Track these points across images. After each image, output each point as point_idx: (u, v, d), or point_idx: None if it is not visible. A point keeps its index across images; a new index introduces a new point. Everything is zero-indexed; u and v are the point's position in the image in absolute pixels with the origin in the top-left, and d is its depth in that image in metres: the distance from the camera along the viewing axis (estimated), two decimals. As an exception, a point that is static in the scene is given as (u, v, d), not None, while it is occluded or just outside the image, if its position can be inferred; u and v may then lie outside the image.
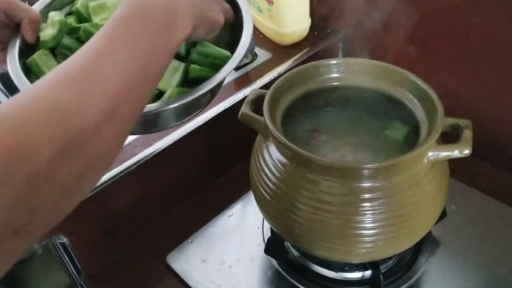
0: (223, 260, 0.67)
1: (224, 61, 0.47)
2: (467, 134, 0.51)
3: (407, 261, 0.65)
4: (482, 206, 0.71)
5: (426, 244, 0.66)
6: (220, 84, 0.48)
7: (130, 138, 0.71)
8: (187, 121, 0.54)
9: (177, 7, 0.38)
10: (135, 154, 0.68)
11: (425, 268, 0.64)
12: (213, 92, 0.49)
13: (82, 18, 0.51)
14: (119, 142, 0.34)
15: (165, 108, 0.43)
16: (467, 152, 0.50)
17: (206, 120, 0.75)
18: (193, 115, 0.50)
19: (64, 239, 0.65)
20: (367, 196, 0.49)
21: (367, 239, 0.51)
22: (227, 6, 0.49)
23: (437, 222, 0.58)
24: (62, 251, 0.66)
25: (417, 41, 0.80)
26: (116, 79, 0.32)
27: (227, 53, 0.48)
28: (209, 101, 0.51)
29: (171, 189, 0.75)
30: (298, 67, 0.61)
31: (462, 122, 0.53)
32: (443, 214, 0.65)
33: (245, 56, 0.87)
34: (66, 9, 0.53)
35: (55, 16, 0.48)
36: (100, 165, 0.33)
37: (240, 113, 0.58)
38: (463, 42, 0.74)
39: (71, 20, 0.49)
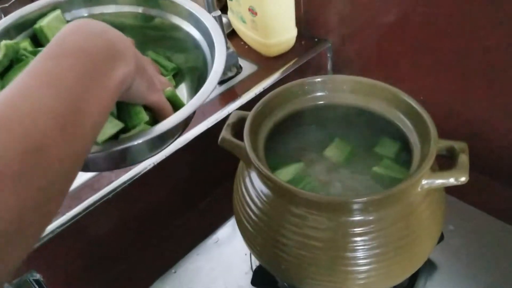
0: (209, 292, 0.63)
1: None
2: (463, 159, 0.47)
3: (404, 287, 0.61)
4: (481, 226, 0.67)
5: (423, 268, 0.62)
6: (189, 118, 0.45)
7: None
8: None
9: (116, 45, 0.35)
10: (111, 181, 0.64)
11: (422, 294, 0.61)
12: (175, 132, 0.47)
13: (44, 40, 0.47)
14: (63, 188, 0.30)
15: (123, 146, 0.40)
16: (463, 179, 0.46)
17: (188, 140, 0.71)
18: (162, 148, 0.47)
19: (38, 276, 0.61)
20: (357, 230, 0.45)
21: (358, 275, 0.47)
22: (164, 79, 0.47)
23: (434, 246, 0.54)
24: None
25: (411, 51, 0.77)
26: (40, 117, 0.28)
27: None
28: (179, 134, 0.48)
29: (151, 215, 0.71)
30: (281, 87, 0.57)
31: (458, 145, 0.49)
32: (441, 238, 0.62)
33: (229, 69, 0.83)
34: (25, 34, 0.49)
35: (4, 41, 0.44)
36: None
37: (220, 138, 0.55)
38: (460, 56, 0.70)
39: (26, 44, 0.46)
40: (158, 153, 0.48)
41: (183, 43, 0.53)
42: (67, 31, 0.34)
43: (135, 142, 0.40)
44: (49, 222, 0.30)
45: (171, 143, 0.48)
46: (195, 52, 0.52)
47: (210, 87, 0.43)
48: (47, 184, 0.28)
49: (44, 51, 0.32)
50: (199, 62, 0.51)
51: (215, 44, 0.48)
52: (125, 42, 0.37)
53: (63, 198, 0.30)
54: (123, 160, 0.45)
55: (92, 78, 0.32)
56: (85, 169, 0.46)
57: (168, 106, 0.44)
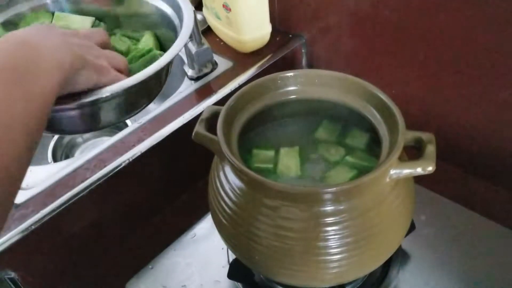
0: (185, 286, 0.64)
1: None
2: (430, 149, 0.48)
3: (377, 278, 0.62)
4: (452, 215, 0.69)
5: (395, 258, 0.64)
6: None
7: (81, 160, 0.67)
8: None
9: (41, 55, 0.35)
10: (86, 178, 0.64)
11: (395, 283, 0.62)
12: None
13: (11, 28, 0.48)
14: None
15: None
16: (430, 169, 0.47)
17: (163, 136, 0.71)
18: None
19: (12, 274, 0.61)
20: (329, 220, 0.46)
21: (331, 264, 0.48)
22: (112, 54, 0.48)
23: (406, 235, 0.56)
24: (12, 286, 0.62)
25: (384, 46, 0.78)
26: None
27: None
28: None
29: (128, 212, 0.71)
30: (254, 81, 0.58)
31: (425, 136, 0.50)
32: (412, 227, 0.63)
33: (204, 66, 0.84)
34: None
35: None
36: None
37: (193, 133, 0.55)
38: (432, 52, 0.72)
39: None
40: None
41: (153, 19, 0.54)
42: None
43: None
44: None
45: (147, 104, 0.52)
46: (166, 27, 0.53)
47: (182, 41, 0.48)
48: None
49: None
50: (170, 37, 0.52)
51: (182, 8, 0.51)
52: (56, 47, 0.37)
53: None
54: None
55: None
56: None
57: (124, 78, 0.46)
